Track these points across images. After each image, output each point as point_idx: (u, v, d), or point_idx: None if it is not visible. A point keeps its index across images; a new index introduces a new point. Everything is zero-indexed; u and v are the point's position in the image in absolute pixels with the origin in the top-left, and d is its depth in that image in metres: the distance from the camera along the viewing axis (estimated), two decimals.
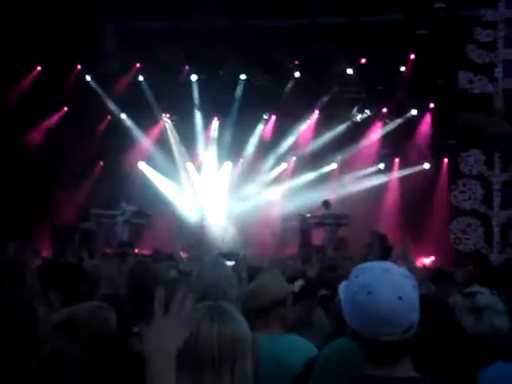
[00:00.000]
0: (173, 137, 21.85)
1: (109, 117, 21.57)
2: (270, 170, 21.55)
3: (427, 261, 17.18)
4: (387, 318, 2.43)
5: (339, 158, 21.17)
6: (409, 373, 2.50)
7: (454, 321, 3.46)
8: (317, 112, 21.22)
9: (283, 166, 21.52)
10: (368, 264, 2.61)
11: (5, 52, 17.88)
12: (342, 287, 2.59)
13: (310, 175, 20.94)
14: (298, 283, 5.74)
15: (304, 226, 19.36)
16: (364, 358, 2.54)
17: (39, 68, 20.10)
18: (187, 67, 21.04)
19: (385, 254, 10.49)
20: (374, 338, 2.46)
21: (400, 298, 2.43)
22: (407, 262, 5.75)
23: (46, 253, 15.04)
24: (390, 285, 2.45)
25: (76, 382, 2.78)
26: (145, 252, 16.73)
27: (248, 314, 3.98)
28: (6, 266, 6.50)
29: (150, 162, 21.78)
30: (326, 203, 19.59)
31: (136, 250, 17.71)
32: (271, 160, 21.48)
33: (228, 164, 21.74)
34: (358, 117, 20.91)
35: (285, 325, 4.37)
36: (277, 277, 4.62)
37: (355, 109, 20.89)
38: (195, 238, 20.21)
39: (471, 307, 3.63)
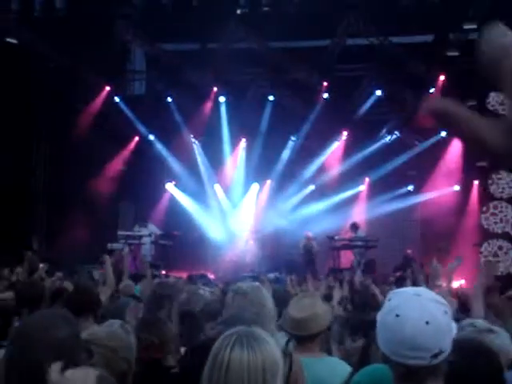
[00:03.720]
0: (200, 158, 21.84)
1: (137, 138, 21.61)
2: (298, 191, 21.41)
3: (457, 284, 16.92)
4: (412, 341, 2.44)
5: (368, 179, 21.02)
6: None
7: (489, 349, 3.38)
8: (345, 133, 21.10)
9: (311, 187, 21.36)
10: (402, 289, 2.67)
11: (35, 71, 18.05)
12: (379, 312, 2.61)
13: (339, 197, 20.77)
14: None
15: (332, 249, 19.27)
16: (394, 382, 2.54)
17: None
18: (215, 89, 21.05)
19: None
20: (401, 362, 2.46)
21: (427, 323, 2.43)
22: (435, 283, 5.71)
23: None
24: (418, 309, 2.46)
25: None
26: (173, 274, 16.68)
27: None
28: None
29: (177, 183, 21.78)
30: (354, 226, 19.48)
31: (163, 272, 17.73)
32: (299, 181, 21.34)
33: (255, 185, 21.66)
34: (387, 138, 20.74)
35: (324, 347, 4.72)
36: (324, 305, 4.81)
37: (384, 130, 20.74)
38: (223, 260, 20.15)
39: (474, 332, 3.67)
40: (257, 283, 4.84)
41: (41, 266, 8.70)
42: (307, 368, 4.23)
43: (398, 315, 2.47)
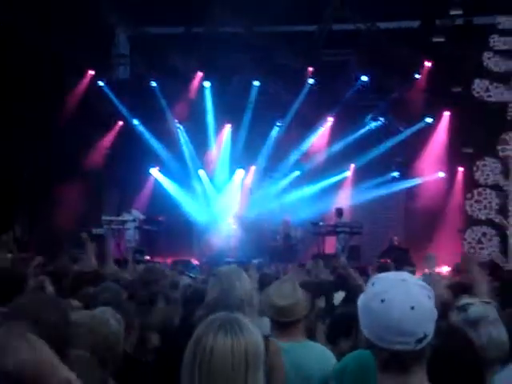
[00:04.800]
0: (185, 143, 21.74)
1: (121, 122, 21.48)
2: (284, 177, 21.37)
3: (444, 270, 16.96)
4: (398, 326, 2.41)
5: (353, 165, 21.01)
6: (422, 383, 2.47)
7: (463, 331, 3.44)
8: (330, 119, 21.05)
9: (296, 173, 21.32)
10: (386, 273, 2.62)
11: (18, 56, 17.83)
12: (361, 296, 2.58)
13: (323, 183, 20.75)
14: (339, 295, 5.79)
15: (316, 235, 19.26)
16: (378, 368, 2.52)
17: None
18: (200, 73, 20.95)
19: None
20: (386, 347, 2.44)
21: (412, 308, 2.41)
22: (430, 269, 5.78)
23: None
24: (403, 294, 2.45)
25: None
26: (156, 259, 16.65)
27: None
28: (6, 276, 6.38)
29: (162, 168, 21.68)
30: (338, 211, 19.46)
31: (147, 257, 17.68)
32: (284, 167, 21.30)
33: (240, 171, 21.60)
34: (372, 124, 20.71)
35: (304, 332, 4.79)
36: (304, 292, 4.89)
37: (369, 116, 20.70)
38: (207, 245, 20.12)
39: (466, 320, 3.62)
40: (234, 266, 4.87)
41: (37, 258, 8.56)
42: (289, 353, 4.32)
43: (383, 300, 2.44)
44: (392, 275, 2.58)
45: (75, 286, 6.18)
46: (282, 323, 4.61)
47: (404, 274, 2.58)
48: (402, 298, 2.43)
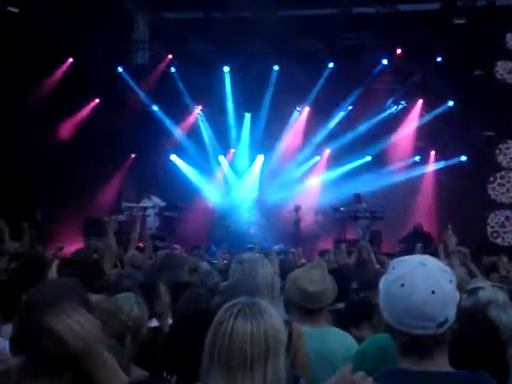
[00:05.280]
0: (205, 129, 21.70)
1: (140, 108, 21.44)
2: (304, 162, 21.26)
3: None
4: (419, 310, 2.41)
5: (374, 150, 20.85)
6: (443, 368, 2.49)
7: (486, 315, 3.49)
8: (351, 103, 20.88)
9: (317, 158, 21.21)
10: (406, 257, 2.62)
11: (38, 43, 17.82)
12: (382, 279, 2.59)
13: (345, 168, 20.62)
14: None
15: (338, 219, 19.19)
16: (398, 352, 2.54)
17: (71, 59, 20.00)
18: (219, 58, 20.85)
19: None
20: (406, 331, 2.45)
21: (433, 292, 2.43)
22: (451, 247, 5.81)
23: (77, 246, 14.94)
24: (424, 278, 2.45)
25: None
26: (176, 245, 16.61)
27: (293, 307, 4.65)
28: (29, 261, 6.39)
29: (181, 154, 21.65)
30: (357, 197, 19.36)
31: (167, 243, 17.66)
32: (305, 152, 21.19)
33: (260, 157, 21.52)
34: (394, 108, 20.52)
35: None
36: (331, 278, 4.83)
37: (390, 100, 20.52)
38: (227, 232, 20.09)
39: (476, 303, 3.66)
40: (257, 254, 4.83)
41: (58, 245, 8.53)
42: (314, 339, 4.39)
43: (403, 285, 2.44)
44: (412, 259, 2.56)
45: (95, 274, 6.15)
46: (310, 310, 4.60)
47: (425, 258, 2.56)
48: (423, 282, 2.43)
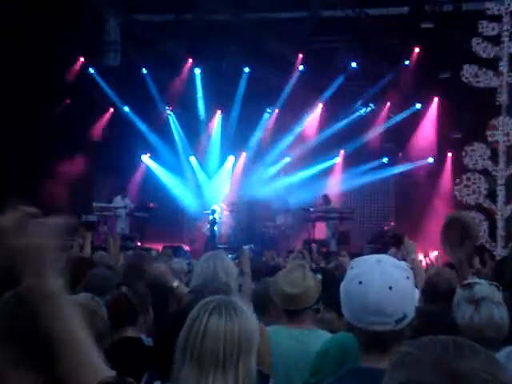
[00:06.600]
0: (176, 130, 21.78)
1: (111, 109, 21.47)
2: (273, 163, 21.43)
3: (432, 255, 17.08)
4: (376, 307, 2.44)
5: (343, 151, 21.08)
6: None
7: (445, 313, 3.53)
8: (320, 105, 21.10)
9: (287, 159, 21.39)
10: (364, 256, 2.66)
11: (8, 43, 17.75)
12: (344, 280, 2.62)
13: (314, 169, 20.82)
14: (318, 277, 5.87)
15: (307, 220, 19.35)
16: (360, 350, 2.57)
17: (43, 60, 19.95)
18: (190, 60, 20.96)
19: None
20: (365, 328, 2.48)
21: (390, 288, 2.45)
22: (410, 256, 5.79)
23: None
24: (380, 275, 2.47)
25: None
26: (147, 245, 16.67)
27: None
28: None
29: (153, 155, 21.71)
30: (325, 198, 19.54)
31: (138, 244, 17.73)
32: (274, 153, 21.35)
33: (231, 157, 21.65)
34: (362, 110, 20.76)
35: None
36: (313, 276, 4.78)
37: (359, 102, 20.75)
38: (198, 232, 20.19)
39: (469, 298, 3.60)
40: (217, 251, 4.90)
41: None
42: (292, 340, 4.43)
43: (360, 282, 2.48)
44: (369, 258, 2.61)
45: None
46: (292, 311, 4.58)
47: (381, 256, 2.61)
48: (379, 278, 2.46)
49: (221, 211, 20.59)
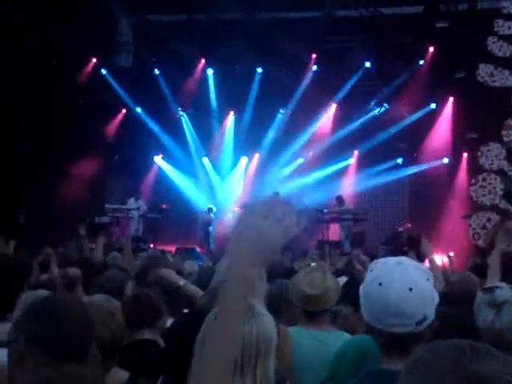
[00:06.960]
0: (188, 131, 21.72)
1: (124, 110, 21.43)
2: (287, 164, 21.31)
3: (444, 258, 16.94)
4: (397, 308, 2.44)
5: (357, 152, 20.93)
6: None
7: (465, 316, 3.53)
8: (334, 106, 20.96)
9: (300, 160, 21.26)
10: (384, 258, 2.68)
11: (20, 45, 17.74)
12: (363, 282, 2.63)
13: (327, 170, 20.68)
14: (342, 279, 5.81)
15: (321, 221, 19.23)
16: (380, 352, 2.57)
17: (54, 61, 19.95)
18: (203, 60, 20.88)
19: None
20: (386, 330, 2.48)
21: (410, 290, 2.45)
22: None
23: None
24: (400, 276, 2.48)
25: None
26: (160, 247, 16.61)
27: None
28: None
29: (165, 156, 21.65)
30: (339, 199, 19.40)
31: (151, 246, 17.69)
32: (288, 154, 21.23)
33: (244, 158, 21.56)
34: (376, 110, 20.60)
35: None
36: (333, 277, 4.81)
37: (373, 102, 20.60)
38: (211, 234, 20.10)
39: (490, 302, 3.59)
40: None
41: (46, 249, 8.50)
42: (312, 341, 4.47)
43: (380, 284, 2.48)
44: (389, 260, 2.61)
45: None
46: (311, 312, 4.59)
47: (402, 258, 2.60)
48: (399, 280, 2.46)
49: (220, 211, 20.50)
